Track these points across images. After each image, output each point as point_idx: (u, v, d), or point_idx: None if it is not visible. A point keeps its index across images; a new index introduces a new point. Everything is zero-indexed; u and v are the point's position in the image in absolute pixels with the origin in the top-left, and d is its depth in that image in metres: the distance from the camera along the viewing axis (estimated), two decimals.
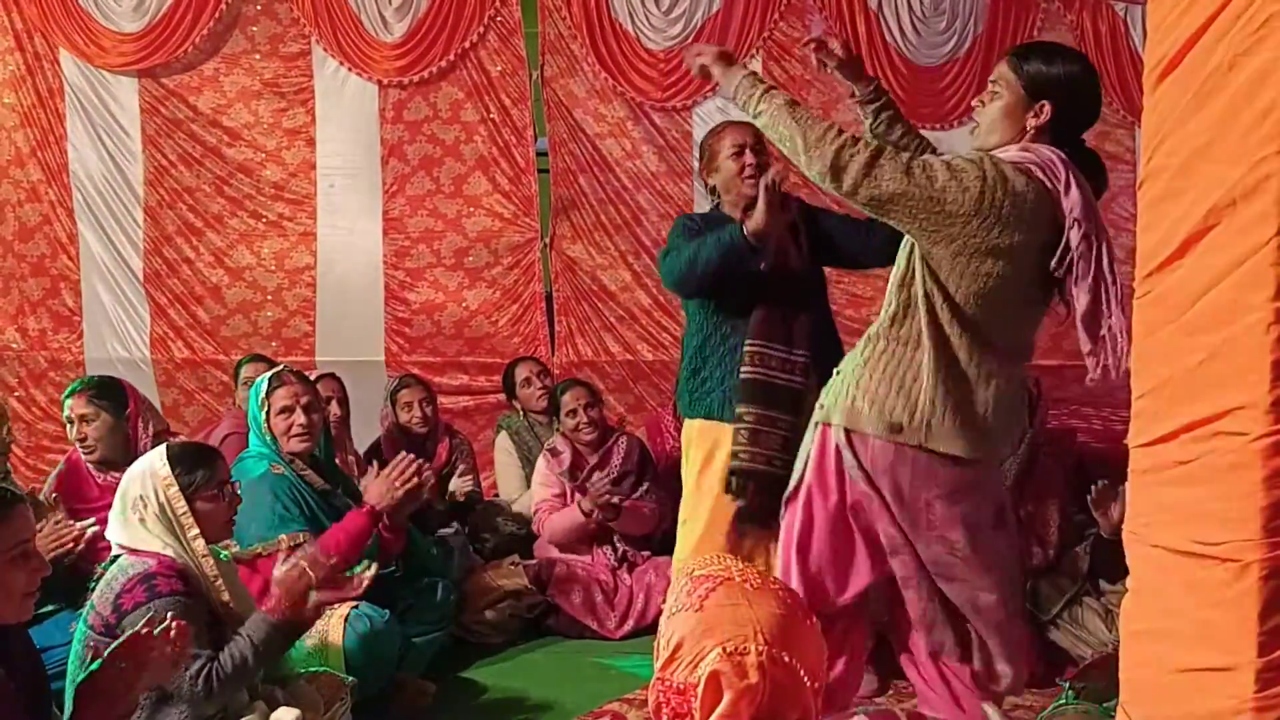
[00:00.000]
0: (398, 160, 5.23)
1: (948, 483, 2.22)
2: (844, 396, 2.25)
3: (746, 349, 2.90)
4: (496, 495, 4.44)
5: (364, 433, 4.25)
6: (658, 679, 1.36)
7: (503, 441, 4.39)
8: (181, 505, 2.34)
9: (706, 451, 3.00)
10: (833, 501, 2.29)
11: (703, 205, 5.17)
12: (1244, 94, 1.33)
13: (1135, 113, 4.87)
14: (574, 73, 5.19)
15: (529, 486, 4.14)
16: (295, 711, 2.37)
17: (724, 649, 1.28)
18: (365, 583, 2.51)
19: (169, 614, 1.97)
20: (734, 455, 2.88)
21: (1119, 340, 2.03)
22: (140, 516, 2.33)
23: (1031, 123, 2.13)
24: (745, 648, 1.28)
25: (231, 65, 5.17)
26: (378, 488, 3.03)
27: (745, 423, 2.88)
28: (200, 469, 2.39)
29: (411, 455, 3.11)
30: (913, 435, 2.18)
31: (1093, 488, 3.10)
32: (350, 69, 5.14)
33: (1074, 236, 2.05)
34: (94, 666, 1.86)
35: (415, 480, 3.04)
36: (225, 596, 2.36)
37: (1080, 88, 2.15)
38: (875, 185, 2.09)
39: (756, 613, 1.32)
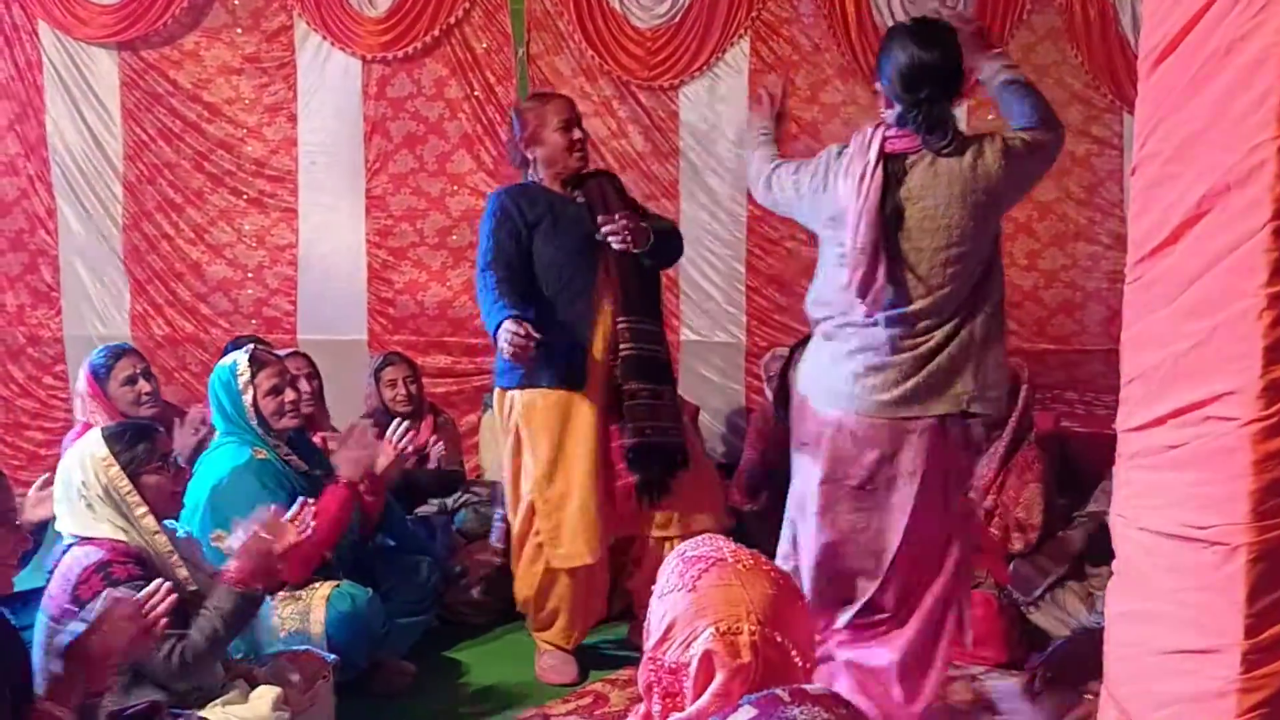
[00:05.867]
0: (381, 137, 5.18)
1: None
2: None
3: (620, 325, 3.03)
4: (480, 476, 4.44)
5: (347, 412, 4.23)
6: (649, 659, 1.36)
7: (489, 420, 4.38)
8: (125, 484, 2.32)
9: (560, 421, 3.03)
10: None
11: (689, 185, 5.18)
12: (1240, 79, 1.33)
13: (1123, 98, 4.86)
14: (560, 50, 5.14)
15: None
16: (276, 689, 2.37)
17: (717, 629, 1.29)
18: (308, 527, 2.50)
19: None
20: (636, 431, 3.01)
21: None
22: (86, 501, 2.30)
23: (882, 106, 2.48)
24: (738, 627, 1.28)
25: (212, 39, 5.10)
26: (346, 459, 3.05)
27: (641, 399, 3.02)
28: (140, 443, 2.36)
29: (359, 422, 3.18)
30: None
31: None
32: (333, 44, 5.08)
33: None
34: (77, 632, 1.85)
35: (377, 444, 3.07)
36: (183, 574, 2.35)
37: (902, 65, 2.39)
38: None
39: (749, 593, 1.32)
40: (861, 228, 2.31)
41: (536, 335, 2.79)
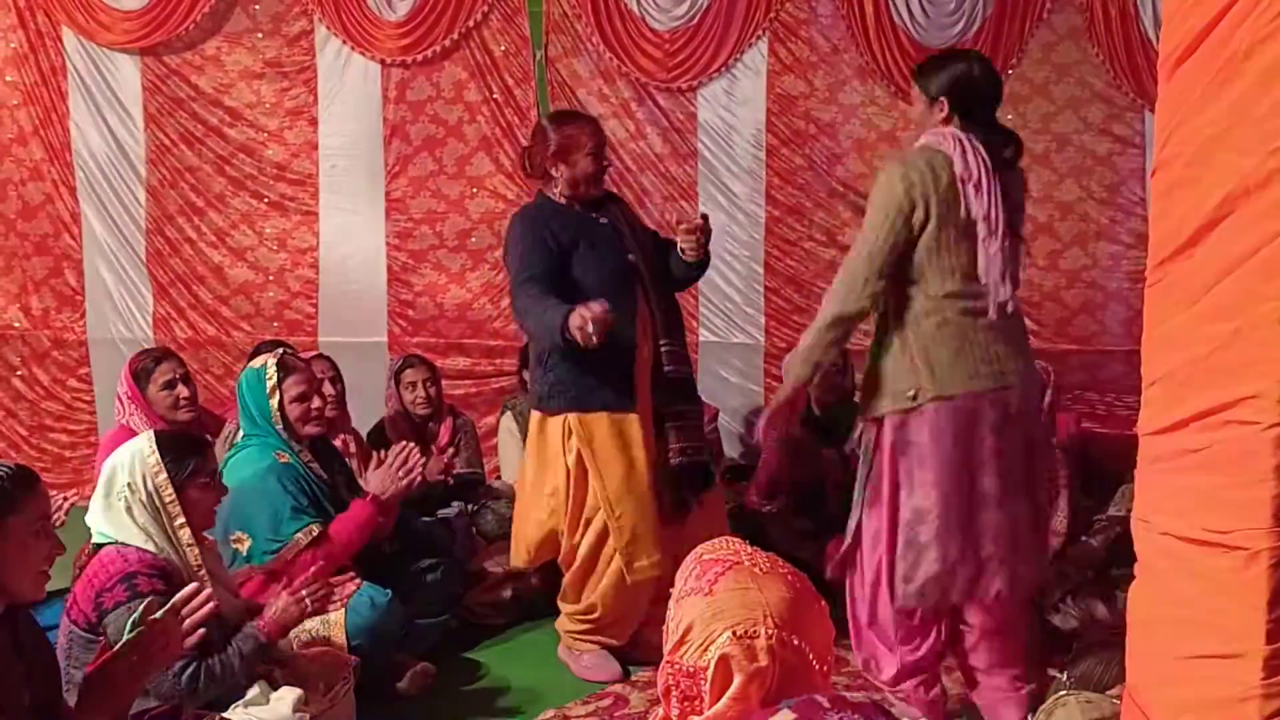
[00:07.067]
0: (400, 141, 5.20)
1: None
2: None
3: (663, 347, 3.08)
4: (499, 478, 4.45)
5: (366, 415, 4.25)
6: (667, 662, 1.36)
7: (507, 422, 4.40)
8: (169, 493, 2.32)
9: (616, 441, 3.04)
10: None
11: (707, 187, 5.18)
12: (1260, 82, 1.32)
13: (1144, 95, 4.83)
14: (578, 53, 5.15)
15: None
16: (297, 691, 2.38)
17: (734, 632, 1.28)
18: (347, 597, 2.63)
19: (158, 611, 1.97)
20: (681, 451, 3.08)
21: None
22: (126, 504, 2.31)
23: (938, 116, 2.62)
24: (755, 631, 1.28)
25: (233, 44, 5.15)
26: (380, 478, 3.07)
27: (687, 419, 3.11)
28: (192, 457, 2.38)
29: (408, 443, 3.15)
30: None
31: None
32: (353, 48, 5.11)
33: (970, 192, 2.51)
34: (106, 656, 1.87)
35: (417, 471, 3.08)
36: (208, 590, 2.35)
37: (965, 81, 2.60)
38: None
39: (766, 596, 1.31)
40: (999, 226, 2.51)
41: (606, 308, 2.77)
